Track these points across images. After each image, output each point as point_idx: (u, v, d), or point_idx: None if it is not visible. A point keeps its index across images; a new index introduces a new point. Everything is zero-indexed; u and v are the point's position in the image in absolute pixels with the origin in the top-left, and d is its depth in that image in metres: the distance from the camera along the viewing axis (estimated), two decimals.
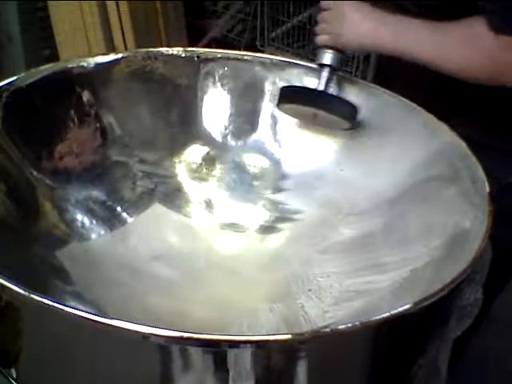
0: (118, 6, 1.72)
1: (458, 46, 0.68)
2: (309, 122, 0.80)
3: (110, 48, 1.73)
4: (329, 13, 0.76)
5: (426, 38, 0.70)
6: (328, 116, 0.75)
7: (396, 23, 0.72)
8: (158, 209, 0.77)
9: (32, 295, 0.42)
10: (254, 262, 0.73)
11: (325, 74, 0.76)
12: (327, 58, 0.76)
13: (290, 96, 0.77)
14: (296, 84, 0.81)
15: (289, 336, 0.44)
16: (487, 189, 0.59)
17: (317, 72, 0.78)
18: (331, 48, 0.76)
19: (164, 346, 0.43)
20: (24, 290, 0.43)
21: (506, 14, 0.65)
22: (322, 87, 0.76)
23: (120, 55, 0.79)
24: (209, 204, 0.79)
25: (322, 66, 0.77)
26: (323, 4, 0.78)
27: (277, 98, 0.79)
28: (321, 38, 0.77)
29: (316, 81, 0.77)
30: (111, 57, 0.79)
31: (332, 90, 0.77)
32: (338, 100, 0.77)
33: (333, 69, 0.76)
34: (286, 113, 0.80)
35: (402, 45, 0.71)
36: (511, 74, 0.66)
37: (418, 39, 0.70)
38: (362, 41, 0.74)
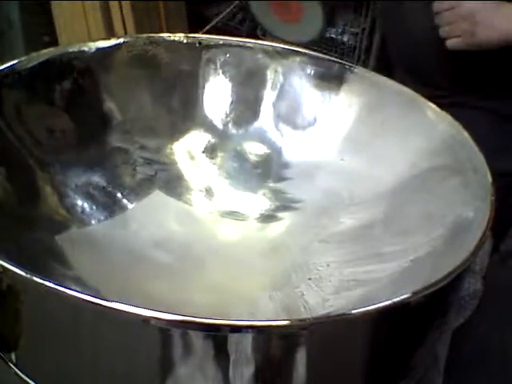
0: None
1: None
2: None
3: (110, 33, 1.71)
4: (453, 12, 0.70)
5: None
6: None
7: None
8: (158, 196, 0.76)
9: (34, 278, 0.42)
10: (253, 250, 0.72)
11: None
12: None
13: None
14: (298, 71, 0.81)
15: (290, 322, 0.44)
16: (489, 179, 0.59)
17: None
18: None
19: (164, 330, 0.43)
20: (26, 273, 0.43)
21: None
22: None
23: (121, 40, 0.79)
24: (209, 192, 0.79)
25: None
26: (445, 4, 0.71)
27: (279, 85, 0.78)
28: (451, 42, 0.71)
29: (318, 69, 0.76)
30: (112, 41, 0.78)
31: None
32: None
33: None
34: None
35: None
36: None
37: None
38: (502, 35, 0.69)
